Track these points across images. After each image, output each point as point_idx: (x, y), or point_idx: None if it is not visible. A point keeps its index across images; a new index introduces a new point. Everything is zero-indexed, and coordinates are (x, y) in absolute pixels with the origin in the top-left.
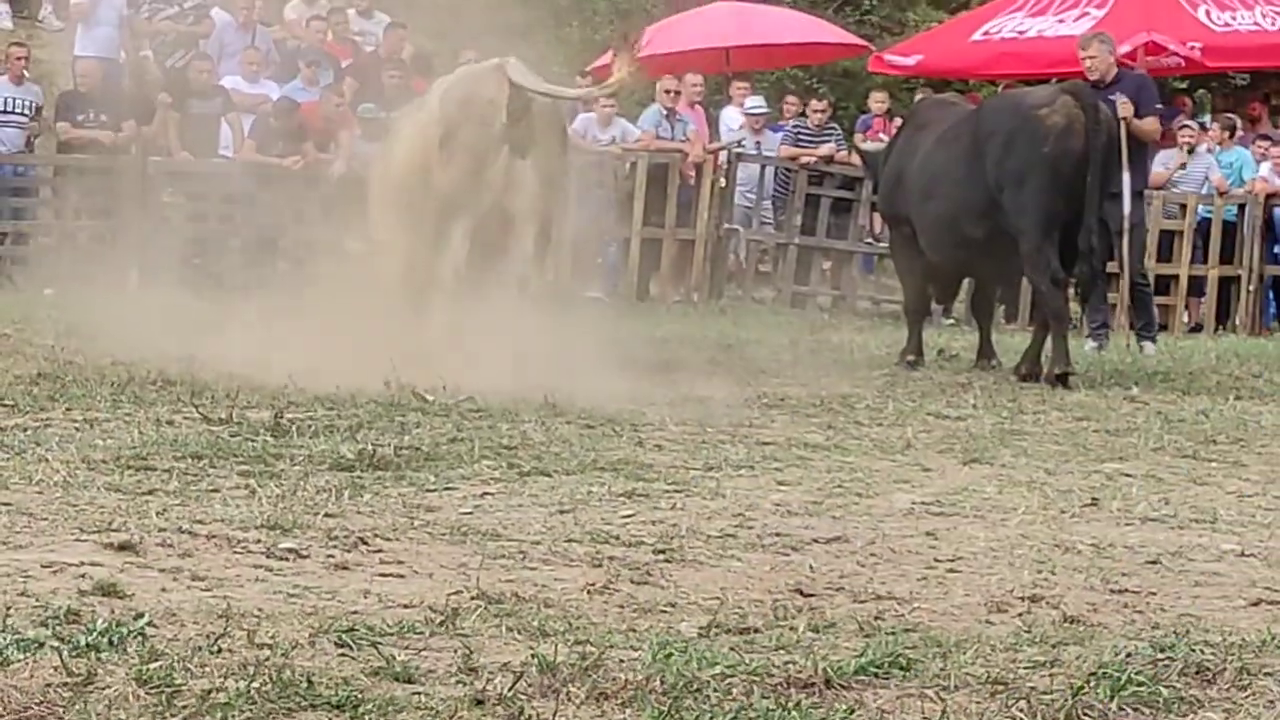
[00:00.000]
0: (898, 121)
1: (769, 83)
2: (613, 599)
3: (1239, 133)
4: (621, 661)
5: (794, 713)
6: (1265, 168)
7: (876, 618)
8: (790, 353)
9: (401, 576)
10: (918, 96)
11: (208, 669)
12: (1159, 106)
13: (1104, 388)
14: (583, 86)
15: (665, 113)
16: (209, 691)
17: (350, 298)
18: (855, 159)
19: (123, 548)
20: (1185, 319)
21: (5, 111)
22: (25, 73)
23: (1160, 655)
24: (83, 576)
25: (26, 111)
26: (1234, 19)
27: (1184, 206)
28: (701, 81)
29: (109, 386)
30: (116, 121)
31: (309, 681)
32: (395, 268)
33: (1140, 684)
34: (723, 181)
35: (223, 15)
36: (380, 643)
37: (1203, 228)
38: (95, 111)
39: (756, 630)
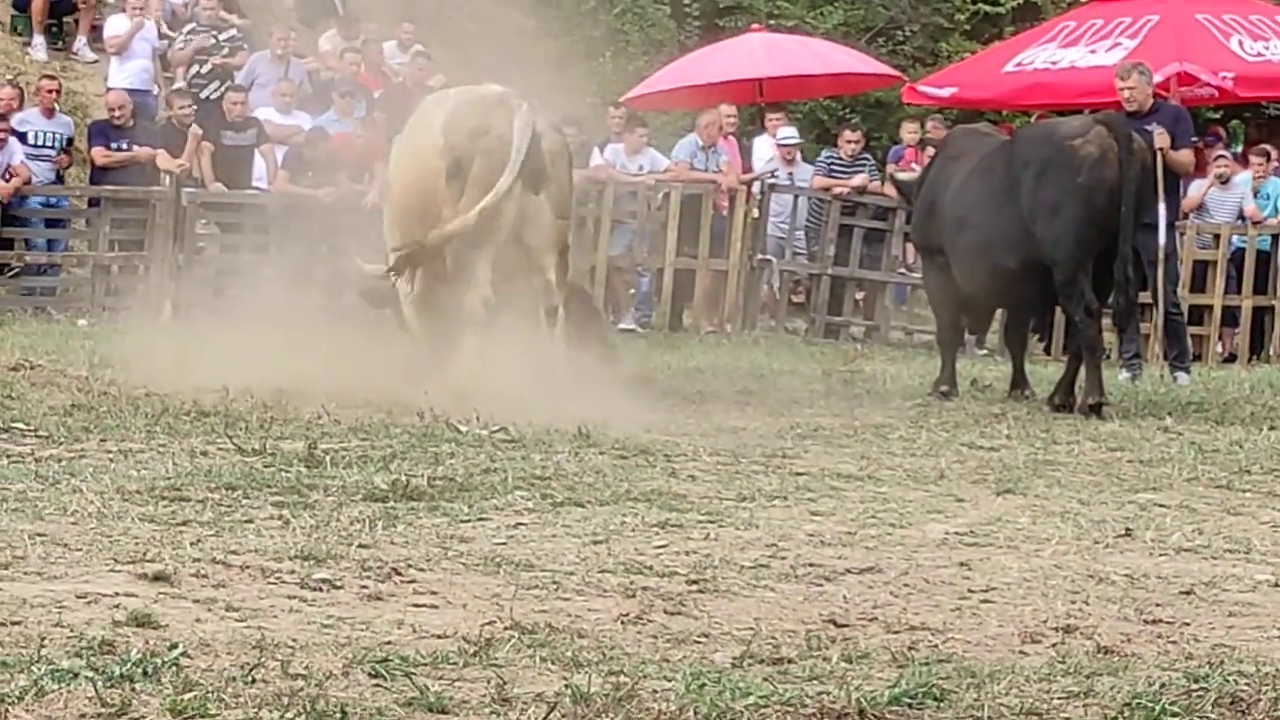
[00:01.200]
0: (929, 152)
1: (802, 113)
2: (646, 629)
3: (1273, 163)
4: (655, 692)
5: None
6: None
7: (910, 648)
8: (823, 383)
9: (435, 607)
10: (931, 126)
11: (242, 700)
12: (1195, 139)
13: (1138, 418)
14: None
15: (700, 144)
16: None
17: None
18: (888, 189)
19: (157, 578)
20: (1219, 349)
21: (37, 146)
22: (56, 105)
23: (1194, 686)
24: (117, 607)
25: (58, 144)
26: (1267, 49)
27: (1218, 237)
28: (735, 112)
29: (143, 417)
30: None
31: (343, 712)
32: (408, 300)
33: (1174, 715)
34: (755, 212)
35: (257, 47)
36: (414, 673)
37: (1236, 258)
38: (128, 142)
39: (790, 661)
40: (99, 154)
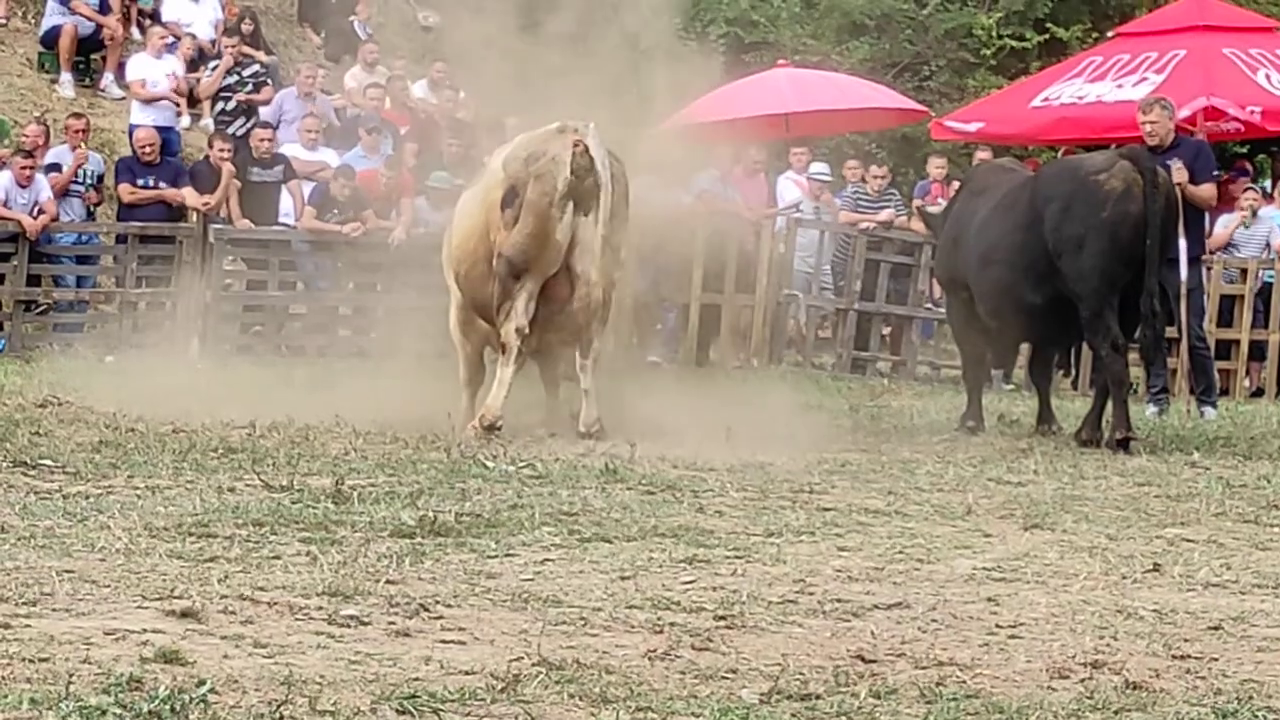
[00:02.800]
0: (956, 186)
1: (828, 148)
2: (674, 665)
3: None
4: None
5: None
6: None
7: (938, 684)
8: (850, 418)
9: (463, 643)
10: (980, 158)
11: None
12: (1217, 173)
13: (1165, 453)
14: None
15: (717, 174)
16: None
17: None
18: (915, 224)
19: (185, 615)
20: (1246, 384)
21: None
22: (83, 143)
23: None
24: (145, 643)
25: (89, 181)
26: None
27: (1244, 271)
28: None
29: (170, 454)
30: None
31: None
32: (457, 329)
33: None
34: (782, 247)
35: (283, 83)
36: (442, 709)
37: (1264, 292)
38: (155, 179)
39: (818, 697)
40: (125, 191)
